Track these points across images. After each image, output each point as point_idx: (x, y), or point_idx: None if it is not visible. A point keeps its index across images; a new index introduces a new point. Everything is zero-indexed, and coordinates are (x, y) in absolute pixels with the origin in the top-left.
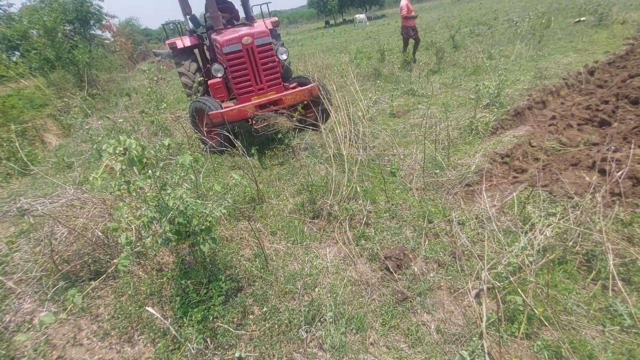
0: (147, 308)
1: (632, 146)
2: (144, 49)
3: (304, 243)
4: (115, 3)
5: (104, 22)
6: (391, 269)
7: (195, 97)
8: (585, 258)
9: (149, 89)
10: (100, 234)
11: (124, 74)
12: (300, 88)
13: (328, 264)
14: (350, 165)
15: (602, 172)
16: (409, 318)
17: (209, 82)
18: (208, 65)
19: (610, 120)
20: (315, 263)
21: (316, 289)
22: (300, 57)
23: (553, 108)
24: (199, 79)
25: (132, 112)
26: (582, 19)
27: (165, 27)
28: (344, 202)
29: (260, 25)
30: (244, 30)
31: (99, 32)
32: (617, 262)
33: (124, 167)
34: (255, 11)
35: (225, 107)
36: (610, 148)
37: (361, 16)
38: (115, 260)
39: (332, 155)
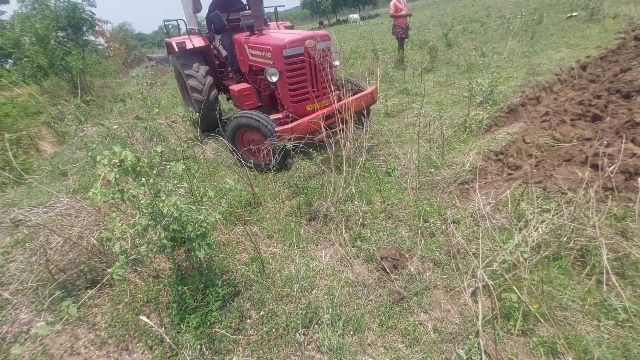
0: (141, 317)
1: (624, 140)
2: (138, 53)
3: (301, 246)
4: (108, 9)
5: (97, 28)
6: (387, 270)
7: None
8: (580, 253)
9: (139, 95)
10: (95, 242)
11: (119, 79)
12: (362, 93)
13: (324, 266)
14: (347, 167)
15: (595, 167)
16: (406, 318)
17: (237, 87)
18: (226, 69)
19: (602, 115)
20: (312, 265)
21: (313, 292)
22: None
23: (546, 104)
24: (211, 83)
25: (127, 117)
26: (574, 14)
27: (167, 24)
28: (340, 203)
29: (275, 27)
30: (304, 32)
31: (92, 38)
32: (610, 256)
33: (117, 176)
34: None
35: (276, 119)
36: (602, 143)
37: (355, 16)
38: (109, 270)
39: (332, 156)
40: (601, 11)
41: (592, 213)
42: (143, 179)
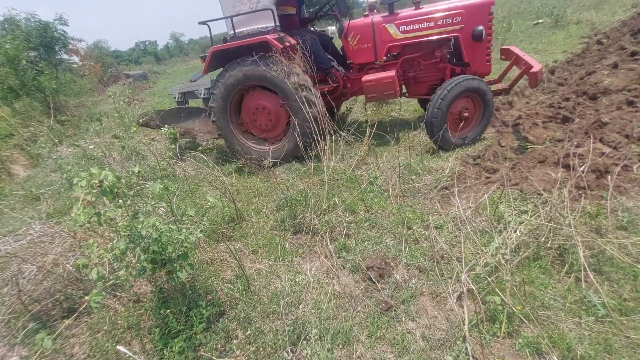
0: (118, 347)
1: (592, 140)
2: (115, 71)
3: (286, 260)
4: (82, 27)
5: (70, 47)
6: (374, 279)
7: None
8: (558, 252)
9: (116, 114)
10: (71, 268)
11: (94, 98)
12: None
13: (311, 279)
14: (329, 178)
15: (567, 167)
16: (394, 327)
17: (385, 74)
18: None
19: (572, 117)
20: (298, 280)
21: (300, 306)
22: None
23: (519, 108)
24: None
25: (104, 137)
26: (540, 21)
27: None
28: (324, 214)
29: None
30: None
31: (65, 56)
32: (587, 253)
33: (94, 198)
34: None
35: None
36: (573, 144)
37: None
38: (86, 297)
39: (312, 167)
40: (565, 18)
41: (567, 212)
42: (120, 201)
